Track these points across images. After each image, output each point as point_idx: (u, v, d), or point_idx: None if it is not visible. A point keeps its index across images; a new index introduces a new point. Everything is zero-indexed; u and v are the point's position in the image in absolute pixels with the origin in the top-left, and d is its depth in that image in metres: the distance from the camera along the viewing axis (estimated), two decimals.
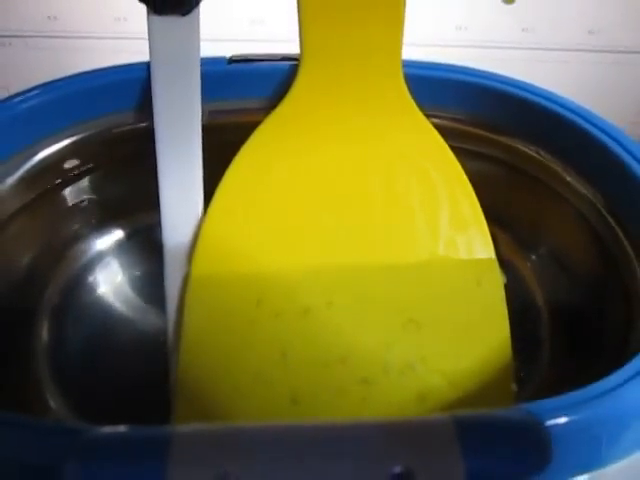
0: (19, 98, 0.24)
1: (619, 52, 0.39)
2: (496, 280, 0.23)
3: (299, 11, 0.22)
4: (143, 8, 0.21)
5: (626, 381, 0.15)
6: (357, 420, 0.13)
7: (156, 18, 0.21)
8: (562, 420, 0.14)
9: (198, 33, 0.22)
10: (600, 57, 0.40)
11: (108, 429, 0.13)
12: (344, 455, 0.12)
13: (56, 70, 0.40)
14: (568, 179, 0.25)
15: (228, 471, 0.11)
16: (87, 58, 0.40)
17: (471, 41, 0.39)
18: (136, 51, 0.39)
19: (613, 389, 0.15)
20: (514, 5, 0.24)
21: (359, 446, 0.12)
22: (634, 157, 0.22)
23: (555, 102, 0.24)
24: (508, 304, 0.22)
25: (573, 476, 0.15)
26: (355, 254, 0.23)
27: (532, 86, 0.25)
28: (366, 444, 0.12)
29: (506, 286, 0.23)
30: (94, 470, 0.12)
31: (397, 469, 0.12)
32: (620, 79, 0.40)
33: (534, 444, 0.12)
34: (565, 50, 0.39)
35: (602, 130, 0.23)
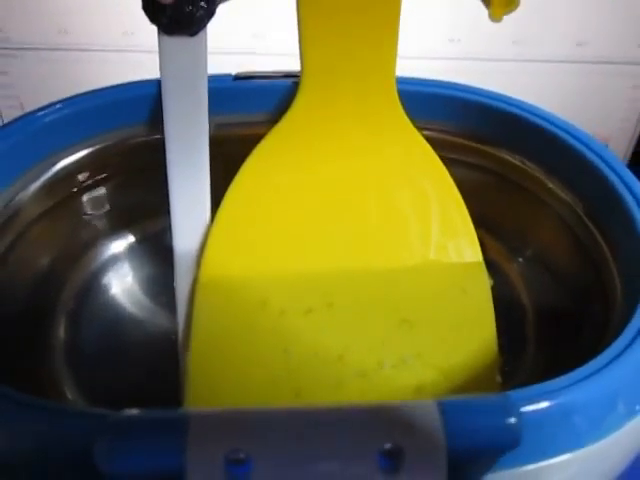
0: (42, 112, 0.25)
1: (606, 63, 0.40)
2: (483, 282, 0.24)
3: (300, 33, 0.23)
4: (150, 23, 0.22)
5: (594, 373, 0.17)
6: (353, 404, 0.14)
7: (166, 38, 0.22)
8: (533, 406, 0.15)
9: (205, 52, 0.23)
10: (588, 68, 0.41)
11: (132, 412, 0.14)
12: (342, 433, 0.13)
13: (66, 81, 0.41)
14: (550, 186, 0.26)
15: (239, 447, 0.13)
16: (96, 70, 0.41)
17: (463, 53, 0.40)
18: (143, 63, 0.40)
19: (581, 380, 0.16)
20: (504, 19, 0.26)
21: (355, 426, 0.13)
22: (610, 166, 0.23)
23: (538, 115, 0.26)
24: (496, 304, 0.23)
25: (545, 458, 0.16)
26: (353, 259, 0.24)
27: (517, 100, 0.27)
28: (361, 424, 0.14)
29: (494, 287, 0.24)
30: (122, 447, 0.13)
31: (388, 445, 0.13)
32: (607, 88, 0.41)
33: (507, 425, 0.14)
34: (554, 61, 0.40)
35: (580, 141, 0.24)
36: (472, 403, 0.14)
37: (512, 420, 0.14)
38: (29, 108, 0.42)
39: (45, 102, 0.42)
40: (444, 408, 0.14)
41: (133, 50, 0.40)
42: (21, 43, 0.40)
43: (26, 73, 0.41)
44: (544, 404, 0.16)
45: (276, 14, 0.36)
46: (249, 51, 0.40)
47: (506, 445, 0.14)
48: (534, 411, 0.15)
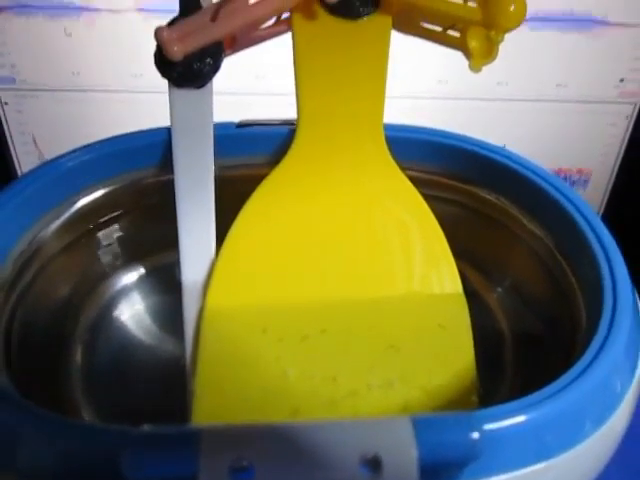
0: (64, 159, 0.27)
1: (584, 102, 0.43)
2: (463, 311, 0.25)
3: (297, 87, 0.25)
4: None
5: (558, 391, 0.19)
6: (340, 421, 0.17)
7: (176, 90, 0.24)
8: (497, 422, 0.17)
9: (211, 101, 0.24)
10: (568, 107, 0.43)
11: (151, 427, 0.16)
12: (330, 444, 0.15)
13: (77, 119, 0.44)
14: (524, 221, 0.28)
15: (243, 456, 0.15)
16: (106, 109, 0.43)
17: (451, 93, 0.42)
18: (150, 103, 0.42)
19: (545, 398, 0.18)
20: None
21: (341, 438, 0.16)
22: (573, 204, 0.25)
23: (510, 159, 0.28)
24: (476, 331, 0.25)
25: (513, 469, 0.18)
26: (344, 290, 0.26)
27: (494, 146, 0.29)
28: (346, 437, 0.16)
29: (474, 315, 0.25)
30: (147, 457, 0.15)
31: (368, 455, 0.15)
32: (587, 126, 0.44)
33: (470, 439, 0.16)
34: (535, 101, 0.42)
35: (547, 181, 0.26)
36: (441, 419, 0.16)
37: (474, 434, 0.16)
38: (42, 144, 0.45)
39: (57, 138, 0.44)
40: (416, 423, 0.16)
41: (141, 91, 0.42)
42: (36, 84, 0.42)
43: (40, 111, 0.43)
44: (508, 420, 0.17)
45: (275, 60, 0.38)
46: (252, 92, 0.42)
47: (469, 456, 0.16)
48: (498, 427, 0.17)
